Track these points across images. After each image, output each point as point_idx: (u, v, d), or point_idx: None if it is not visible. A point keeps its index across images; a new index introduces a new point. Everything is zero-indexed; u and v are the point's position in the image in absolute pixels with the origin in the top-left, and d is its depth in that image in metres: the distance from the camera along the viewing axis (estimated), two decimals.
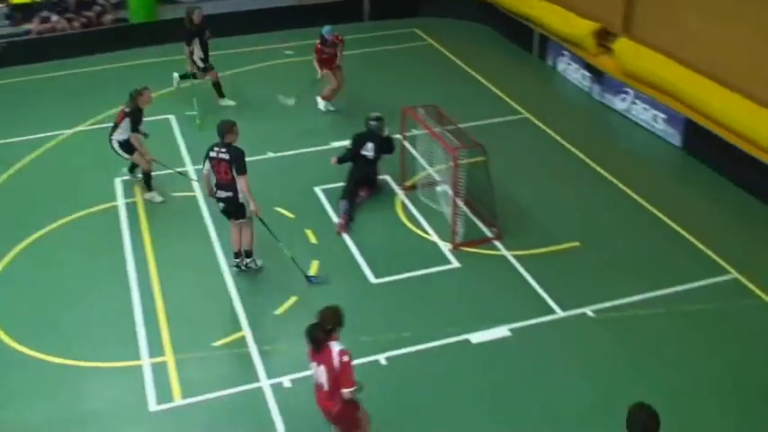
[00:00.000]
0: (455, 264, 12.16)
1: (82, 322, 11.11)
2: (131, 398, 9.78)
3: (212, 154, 11.29)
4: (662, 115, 15.84)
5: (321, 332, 7.78)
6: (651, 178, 14.67)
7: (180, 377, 10.06)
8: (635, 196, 13.85)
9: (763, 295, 11.37)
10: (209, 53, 17.41)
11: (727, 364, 10.15)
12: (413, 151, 14.56)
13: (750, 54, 14.54)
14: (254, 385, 9.89)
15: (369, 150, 13.74)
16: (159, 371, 10.17)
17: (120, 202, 13.95)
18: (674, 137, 15.56)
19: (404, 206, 13.66)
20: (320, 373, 7.88)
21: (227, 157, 11.18)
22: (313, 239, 12.70)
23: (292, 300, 11.37)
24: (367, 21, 22.64)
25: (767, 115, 13.97)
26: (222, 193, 11.45)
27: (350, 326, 10.79)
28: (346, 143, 14.30)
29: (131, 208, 13.76)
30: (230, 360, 10.34)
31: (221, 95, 17.66)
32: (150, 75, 19.20)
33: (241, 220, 11.65)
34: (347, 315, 10.97)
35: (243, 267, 11.91)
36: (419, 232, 12.96)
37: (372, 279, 11.81)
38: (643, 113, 16.32)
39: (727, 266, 11.97)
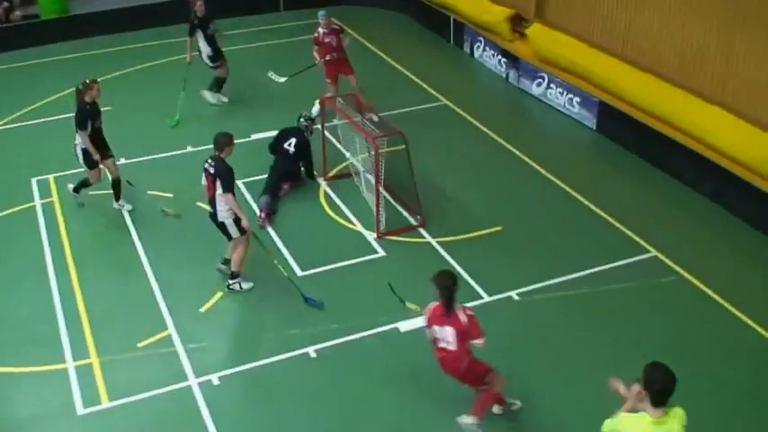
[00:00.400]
0: (381, 253, 12.20)
1: (1, 326, 10.84)
2: (58, 402, 9.59)
3: (205, 165, 10.89)
4: (576, 98, 16.13)
5: (451, 292, 8.23)
6: (569, 161, 14.92)
7: (106, 379, 9.88)
8: (554, 179, 14.09)
9: (682, 271, 11.68)
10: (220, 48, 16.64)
11: (652, 339, 10.39)
12: (335, 142, 14.56)
13: (659, 35, 14.88)
14: (183, 384, 9.77)
15: (291, 146, 13.68)
16: (85, 373, 9.97)
17: (38, 202, 13.62)
18: (589, 119, 15.86)
19: (327, 197, 13.65)
20: (446, 333, 8.33)
21: (212, 171, 10.75)
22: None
23: (218, 295, 11.28)
24: (282, 11, 22.49)
25: (679, 94, 14.33)
26: (210, 209, 11.07)
27: (278, 319, 10.89)
28: (264, 135, 14.26)
29: (48, 208, 13.45)
30: (157, 360, 10.19)
31: (213, 90, 16.87)
32: (64, 71, 18.82)
33: (230, 242, 11.21)
34: (274, 309, 11.10)
35: (227, 288, 11.36)
36: (344, 222, 12.97)
37: (299, 272, 11.77)
38: (558, 97, 16.59)
39: (647, 245, 12.26)
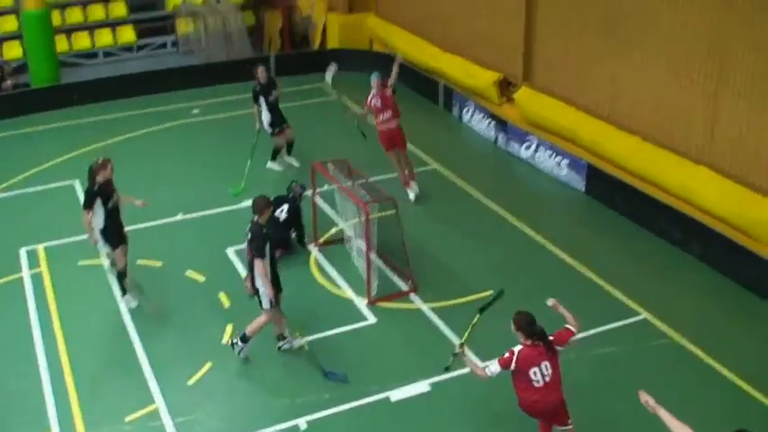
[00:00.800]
0: (372, 319, 12.14)
1: None
2: None
3: (246, 228, 10.96)
4: (565, 161, 16.23)
5: (541, 328, 8.52)
6: (559, 224, 14.96)
7: None
8: (544, 242, 14.10)
9: (674, 334, 11.65)
10: (281, 113, 16.62)
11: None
12: (325, 207, 14.58)
13: (644, 97, 15.02)
14: None
15: (282, 212, 13.68)
16: None
17: (26, 272, 13.55)
18: (578, 182, 15.94)
19: (318, 263, 13.61)
20: (544, 368, 8.47)
21: (249, 236, 10.79)
22: (226, 303, 12.52)
23: (206, 366, 11.15)
24: (274, 77, 22.63)
25: (664, 155, 14.43)
26: (248, 272, 11.04)
27: (267, 389, 10.76)
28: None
29: (37, 278, 13.38)
30: None
31: (288, 153, 16.96)
32: (55, 140, 18.96)
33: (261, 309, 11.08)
34: (263, 379, 10.98)
35: (230, 345, 11.23)
36: (334, 289, 12.92)
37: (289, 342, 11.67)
38: (547, 160, 16.69)
39: (637, 307, 12.23)
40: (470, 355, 9.27)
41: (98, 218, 11.99)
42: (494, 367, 8.64)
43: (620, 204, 15.03)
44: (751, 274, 12.67)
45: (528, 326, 8.55)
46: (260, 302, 11.00)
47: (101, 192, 11.96)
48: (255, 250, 10.63)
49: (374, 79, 15.35)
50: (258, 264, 10.63)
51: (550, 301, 9.09)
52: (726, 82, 13.39)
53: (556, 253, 13.79)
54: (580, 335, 11.34)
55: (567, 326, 8.79)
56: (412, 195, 15.39)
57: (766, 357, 11.29)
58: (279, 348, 11.37)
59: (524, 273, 13.33)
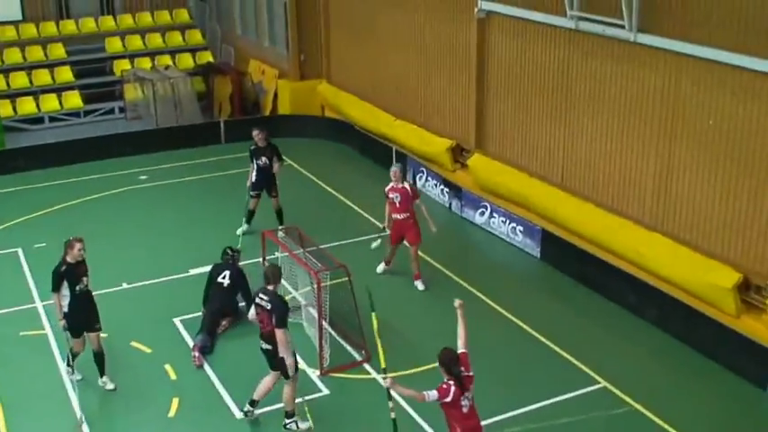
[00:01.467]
0: (324, 391, 11.80)
1: None
2: None
3: (257, 300, 10.60)
4: (519, 227, 16.16)
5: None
6: (514, 291, 14.80)
7: None
8: (501, 310, 13.92)
9: (632, 402, 11.48)
10: (272, 180, 16.28)
11: None
12: None
13: (597, 164, 15.07)
14: None
15: (225, 278, 13.33)
16: None
17: None
18: (533, 248, 15.86)
19: None
20: (469, 394, 8.90)
21: (268, 306, 10.45)
22: (173, 375, 12.08)
23: None
24: (224, 143, 22.50)
25: (617, 222, 14.45)
26: (263, 344, 10.67)
27: None
28: (204, 270, 13.95)
29: None
30: None
31: (280, 222, 16.35)
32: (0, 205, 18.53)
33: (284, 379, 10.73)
34: None
35: (284, 428, 10.88)
36: None
37: (238, 414, 11.27)
38: (502, 226, 16.61)
39: (596, 375, 12.07)
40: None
41: (64, 301, 11.32)
42: (432, 394, 8.81)
43: (576, 269, 14.95)
44: (707, 339, 12.60)
45: (449, 362, 8.82)
46: (285, 375, 10.65)
47: (68, 273, 11.23)
48: (279, 321, 10.34)
49: (394, 170, 14.69)
50: (280, 334, 10.36)
51: (457, 302, 9.45)
52: (677, 148, 13.47)
53: (512, 320, 13.62)
54: (540, 404, 11.28)
55: (463, 350, 9.12)
56: (421, 287, 14.78)
57: (727, 423, 11.18)
58: (285, 426, 10.94)
59: (480, 340, 13.04)
